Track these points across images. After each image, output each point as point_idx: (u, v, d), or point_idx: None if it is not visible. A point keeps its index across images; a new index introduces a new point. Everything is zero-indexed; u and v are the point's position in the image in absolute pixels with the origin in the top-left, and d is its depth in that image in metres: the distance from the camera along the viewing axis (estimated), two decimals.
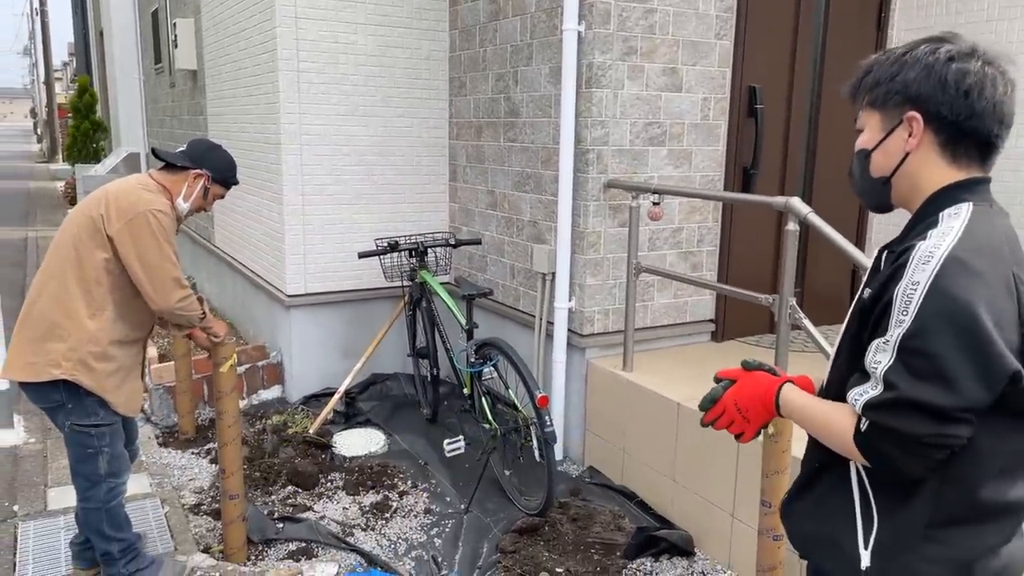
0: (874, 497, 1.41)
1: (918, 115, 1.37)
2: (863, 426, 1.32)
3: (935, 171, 1.40)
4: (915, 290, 1.27)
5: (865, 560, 1.40)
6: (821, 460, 1.52)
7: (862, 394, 1.33)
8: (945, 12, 4.51)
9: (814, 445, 1.53)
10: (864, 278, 1.52)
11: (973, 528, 1.36)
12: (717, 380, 1.64)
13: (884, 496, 1.40)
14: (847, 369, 1.44)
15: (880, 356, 1.31)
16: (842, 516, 1.44)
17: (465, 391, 4.14)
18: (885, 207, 1.51)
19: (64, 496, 3.69)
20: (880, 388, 1.30)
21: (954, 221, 1.33)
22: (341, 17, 4.79)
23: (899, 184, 1.44)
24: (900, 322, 1.28)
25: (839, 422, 1.38)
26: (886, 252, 1.45)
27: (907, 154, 1.41)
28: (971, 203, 1.36)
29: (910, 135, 1.39)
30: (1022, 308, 1.29)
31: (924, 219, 1.39)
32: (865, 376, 1.34)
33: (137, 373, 2.93)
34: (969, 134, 1.36)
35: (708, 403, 1.62)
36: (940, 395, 1.24)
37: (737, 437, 1.62)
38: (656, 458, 3.70)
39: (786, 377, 1.57)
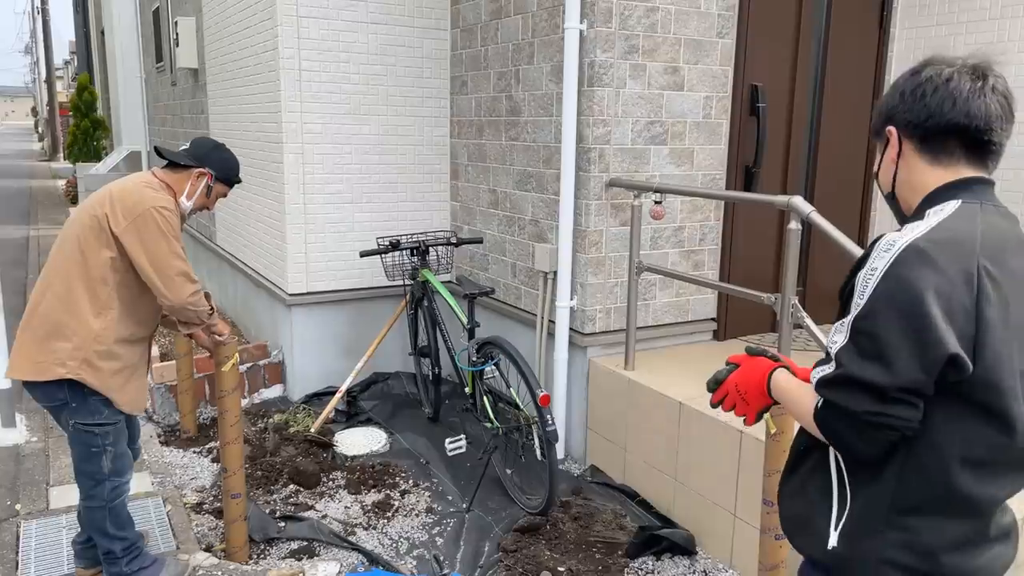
0: (848, 480, 1.47)
1: (893, 128, 1.50)
2: (819, 403, 1.41)
3: (922, 174, 1.48)
4: (872, 275, 1.35)
5: (832, 540, 1.47)
6: (805, 443, 1.58)
7: (820, 372, 1.42)
8: (947, 11, 4.50)
9: (800, 429, 1.59)
10: None
11: (936, 519, 1.40)
12: (727, 364, 1.73)
13: (856, 479, 1.45)
14: None
15: (836, 336, 1.40)
16: (820, 497, 1.51)
17: (467, 390, 4.14)
18: (904, 219, 1.56)
19: (66, 495, 3.70)
20: (832, 366, 1.38)
21: (933, 218, 1.39)
22: (343, 16, 4.79)
23: (902, 195, 1.54)
24: (857, 305, 1.36)
25: (807, 401, 1.46)
26: None
27: (897, 166, 1.52)
28: (961, 200, 1.41)
29: (893, 148, 1.51)
30: (981, 300, 1.32)
31: (915, 218, 1.45)
32: (828, 357, 1.42)
33: (142, 372, 2.93)
34: (937, 132, 1.44)
35: (713, 384, 1.71)
36: (879, 374, 1.31)
37: (744, 420, 1.70)
38: (658, 457, 3.70)
39: (782, 363, 1.65)
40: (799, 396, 1.50)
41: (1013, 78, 4.11)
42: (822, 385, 1.39)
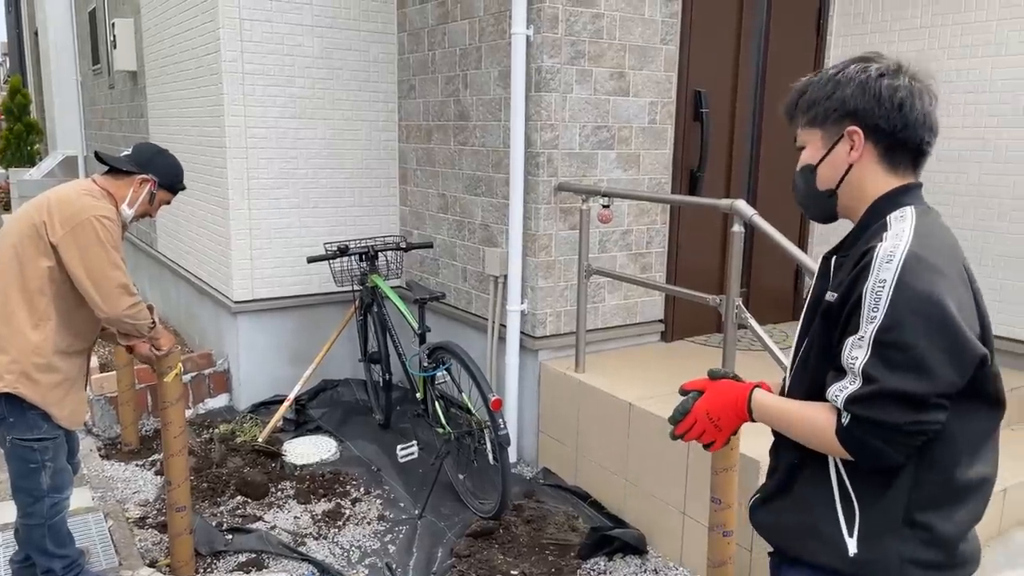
0: (852, 488, 1.46)
1: (859, 129, 1.47)
2: (845, 420, 1.38)
3: (877, 179, 1.50)
4: (883, 287, 1.34)
5: (852, 547, 1.45)
6: (796, 459, 1.55)
7: (842, 389, 1.38)
8: (881, 19, 4.66)
9: (788, 446, 1.56)
10: (812, 282, 1.59)
11: (951, 509, 1.44)
12: (683, 392, 1.67)
13: (863, 486, 1.45)
14: (818, 370, 1.48)
15: (856, 352, 1.37)
16: (823, 507, 1.49)
17: (418, 396, 4.12)
18: (830, 217, 1.60)
19: (2, 512, 3.56)
20: (859, 382, 1.36)
21: (902, 224, 1.42)
22: (287, 19, 4.73)
23: (844, 194, 1.53)
24: (872, 318, 1.35)
25: (817, 419, 1.43)
26: (835, 257, 1.55)
27: (850, 166, 1.50)
28: (912, 206, 1.46)
29: (852, 148, 1.49)
30: (977, 297, 1.41)
31: (870, 224, 1.48)
32: (842, 373, 1.40)
33: (81, 385, 2.85)
34: (904, 143, 1.47)
35: (679, 415, 1.64)
36: (917, 383, 1.32)
37: (707, 447, 1.66)
38: (608, 458, 3.73)
39: (753, 383, 1.62)
40: (802, 414, 1.48)
41: (944, 84, 4.27)
42: (852, 402, 1.36)
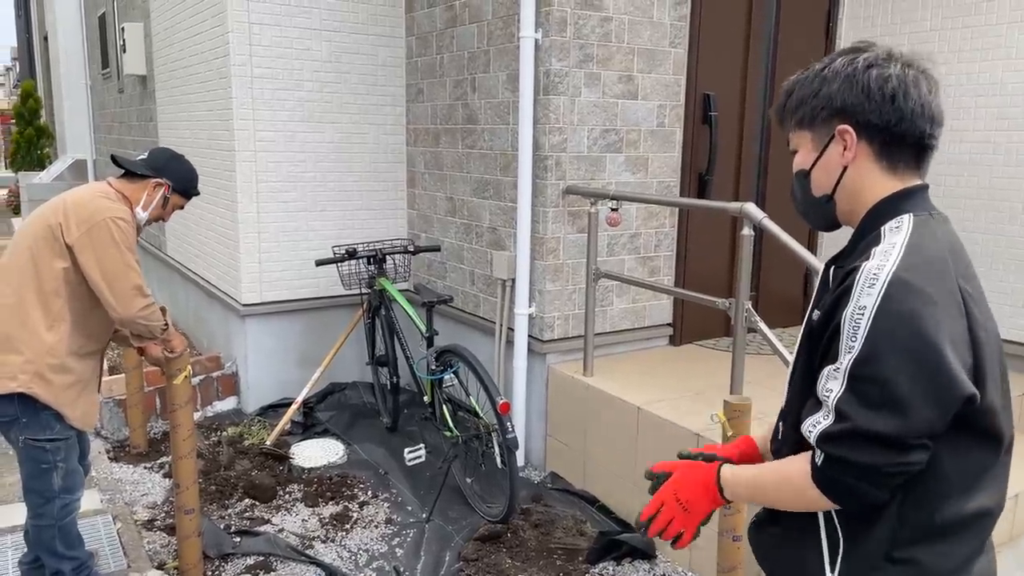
0: (839, 522, 1.37)
1: (849, 127, 1.35)
2: (819, 459, 1.28)
3: (875, 182, 1.37)
4: (862, 315, 1.23)
5: None
6: None
7: (815, 424, 1.28)
8: (890, 22, 4.64)
9: None
10: (814, 295, 1.48)
11: (940, 545, 1.32)
12: (651, 476, 1.56)
13: (848, 521, 1.36)
14: (801, 393, 1.40)
15: (831, 384, 1.27)
16: (809, 541, 1.39)
17: (426, 399, 4.11)
18: (832, 225, 1.48)
19: (11, 514, 3.57)
20: (832, 418, 1.26)
21: (896, 236, 1.29)
22: (295, 23, 4.74)
23: (841, 199, 1.41)
24: (850, 348, 1.24)
25: (791, 474, 1.33)
26: (833, 268, 1.42)
27: (845, 168, 1.38)
28: (912, 214, 1.33)
29: (845, 148, 1.37)
30: (971, 324, 1.26)
31: (866, 234, 1.36)
32: (818, 404, 1.30)
33: (94, 386, 2.86)
34: (902, 138, 1.34)
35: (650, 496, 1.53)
36: (893, 424, 1.20)
37: (674, 542, 1.50)
38: (617, 462, 3.72)
39: (720, 460, 1.51)
40: (776, 479, 1.37)
41: (955, 87, 4.26)
42: (824, 440, 1.25)
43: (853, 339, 1.23)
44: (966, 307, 1.26)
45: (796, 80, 1.44)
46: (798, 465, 1.32)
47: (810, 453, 1.31)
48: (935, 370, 1.20)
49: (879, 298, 1.22)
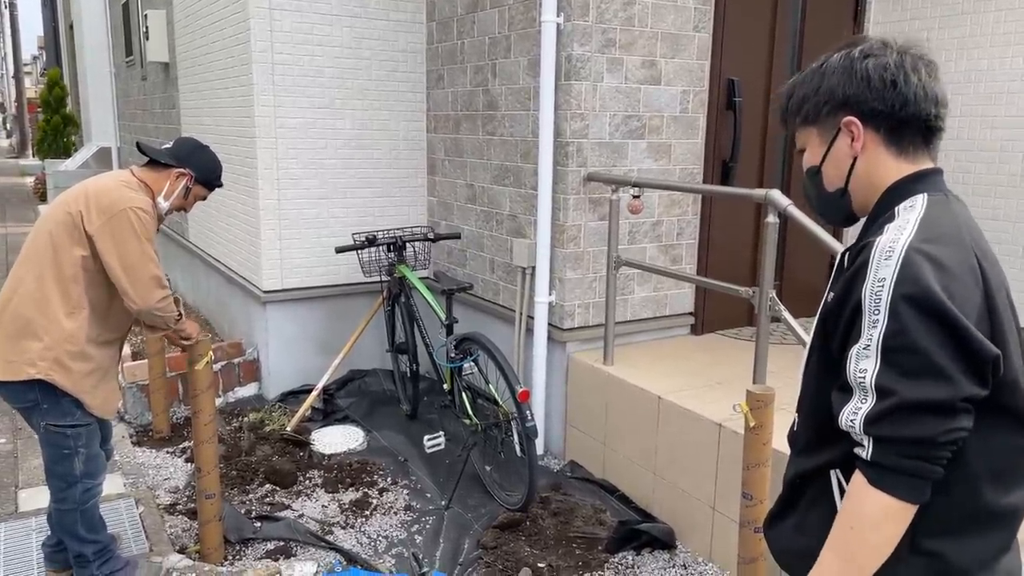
0: None
1: (855, 118, 1.36)
2: (868, 452, 1.23)
3: (888, 167, 1.38)
4: (882, 287, 1.21)
5: None
6: (801, 473, 1.45)
7: (856, 412, 1.23)
8: (921, 5, 4.54)
9: (793, 459, 1.48)
10: (830, 281, 1.46)
11: (963, 538, 1.29)
12: None
13: None
14: (816, 376, 1.39)
15: (864, 364, 1.23)
16: (826, 530, 1.34)
17: (445, 387, 4.11)
18: (850, 219, 1.47)
19: (36, 497, 3.62)
20: (873, 398, 1.21)
21: (910, 213, 1.30)
22: (316, 8, 4.73)
23: (856, 190, 1.41)
24: (874, 322, 1.22)
25: (847, 512, 1.26)
26: (847, 253, 1.40)
27: (855, 159, 1.39)
28: (926, 194, 1.33)
29: (853, 139, 1.38)
30: (988, 297, 1.25)
31: (880, 215, 1.36)
32: (848, 392, 1.26)
33: (114, 374, 2.87)
34: (908, 122, 1.35)
35: None
36: (940, 389, 1.18)
37: None
38: (637, 452, 3.69)
39: None
40: (839, 534, 1.28)
41: (986, 72, 4.15)
42: (871, 423, 1.21)
43: (876, 312, 1.22)
44: (984, 278, 1.26)
45: (794, 81, 1.46)
46: (847, 505, 1.27)
47: (855, 475, 1.26)
48: (964, 336, 1.19)
49: (897, 268, 1.21)
